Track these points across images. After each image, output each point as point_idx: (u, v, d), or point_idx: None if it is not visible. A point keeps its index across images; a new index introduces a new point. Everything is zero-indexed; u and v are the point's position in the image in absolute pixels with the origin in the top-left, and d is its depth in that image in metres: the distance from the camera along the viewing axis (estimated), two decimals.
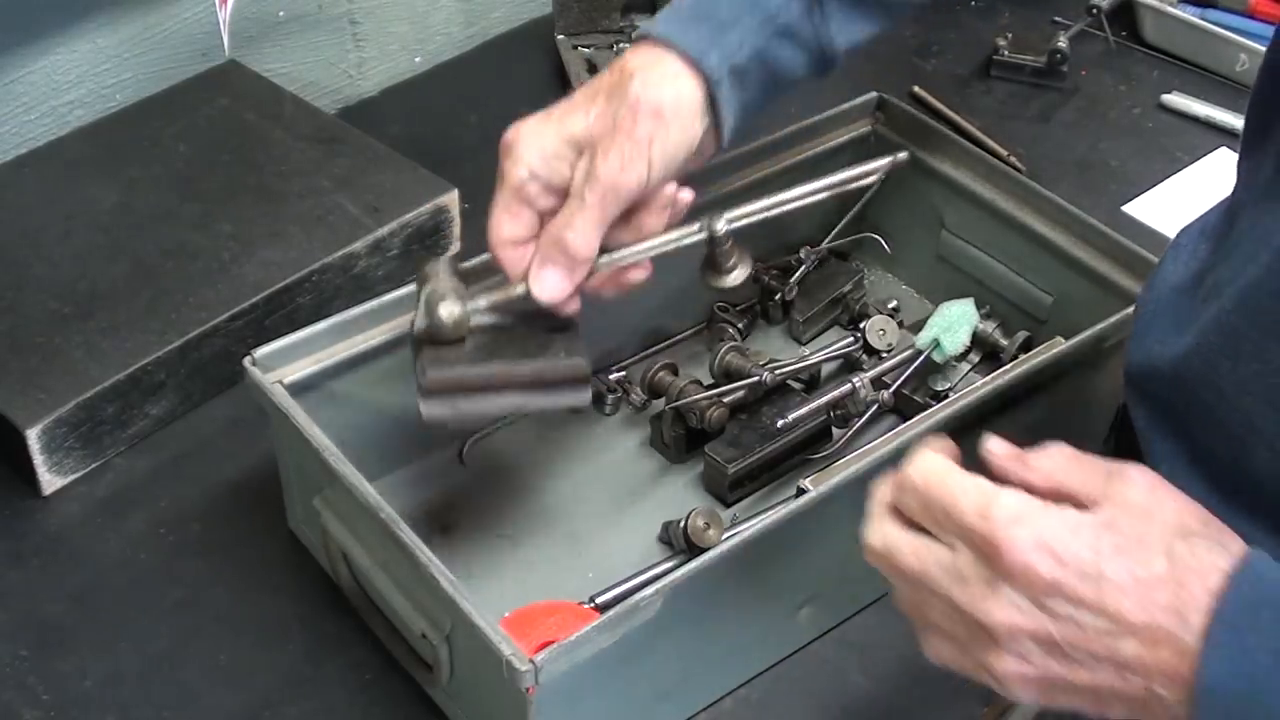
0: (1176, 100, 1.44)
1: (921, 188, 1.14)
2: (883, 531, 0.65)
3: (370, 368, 0.96)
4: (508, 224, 0.84)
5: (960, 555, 0.61)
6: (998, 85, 1.47)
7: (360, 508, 0.85)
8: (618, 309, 1.09)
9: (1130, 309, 0.92)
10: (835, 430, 1.05)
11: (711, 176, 1.08)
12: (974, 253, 1.13)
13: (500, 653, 0.76)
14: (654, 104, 0.81)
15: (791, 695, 0.93)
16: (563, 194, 0.83)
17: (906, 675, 0.93)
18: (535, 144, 0.83)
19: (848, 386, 1.03)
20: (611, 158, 0.81)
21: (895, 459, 0.69)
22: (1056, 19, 1.55)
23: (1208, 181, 1.35)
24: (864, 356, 1.10)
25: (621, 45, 1.45)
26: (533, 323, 0.87)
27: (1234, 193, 0.80)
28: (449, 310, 0.84)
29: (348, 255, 1.13)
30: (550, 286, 0.83)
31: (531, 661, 0.75)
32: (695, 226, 0.89)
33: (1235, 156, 0.80)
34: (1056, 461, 0.64)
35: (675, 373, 1.06)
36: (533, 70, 1.46)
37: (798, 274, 1.14)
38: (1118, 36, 1.52)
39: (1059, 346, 0.96)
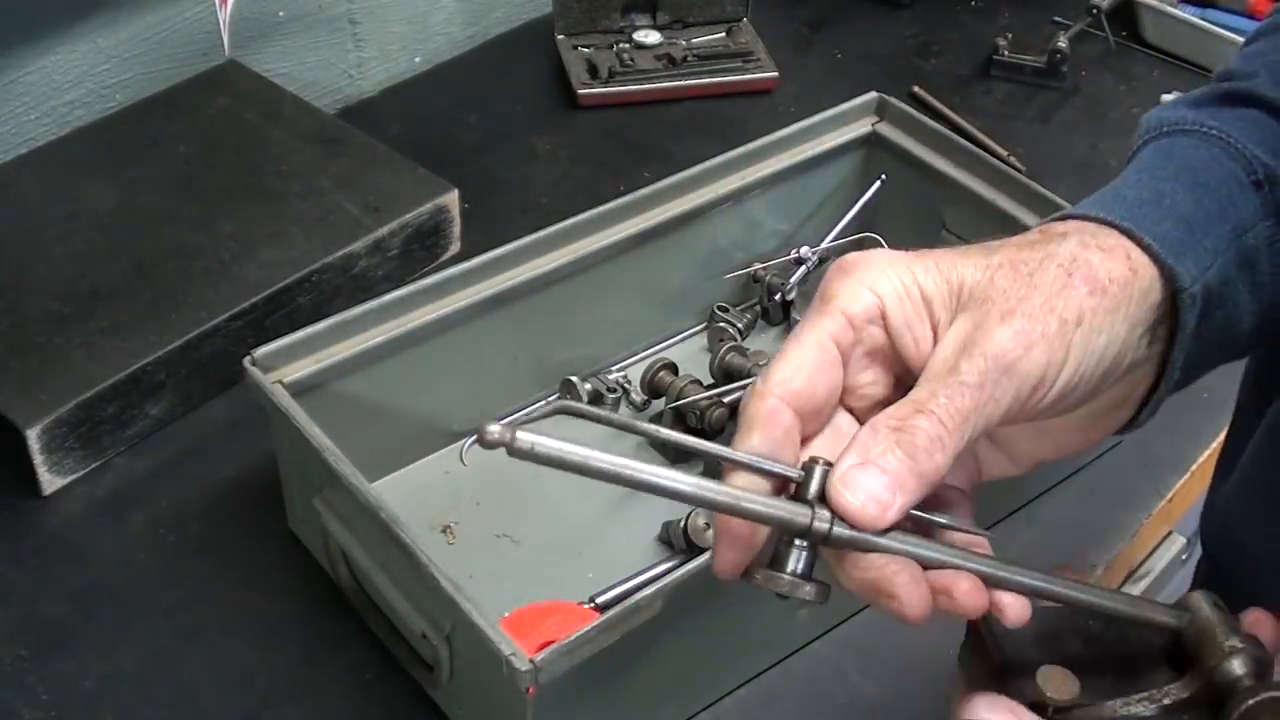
0: None
1: (921, 188, 1.14)
2: None
3: (370, 368, 0.96)
4: (806, 368, 0.57)
5: None
6: (998, 85, 1.47)
7: (360, 508, 0.85)
8: (617, 309, 1.09)
9: None
10: None
11: (711, 176, 1.09)
12: None
13: (500, 653, 0.76)
14: (1094, 275, 0.55)
15: (791, 695, 0.93)
16: (902, 365, 0.57)
17: (905, 675, 0.93)
18: (890, 275, 0.56)
19: None
20: (1013, 325, 0.54)
21: None
22: (1056, 19, 1.55)
23: None
24: None
25: (621, 45, 1.45)
26: None
27: None
28: None
29: (348, 255, 1.13)
30: (869, 499, 0.52)
31: (531, 661, 0.75)
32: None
33: None
34: None
35: (675, 372, 1.06)
36: (533, 70, 1.46)
37: (798, 274, 1.14)
38: (1118, 36, 1.52)
39: None
